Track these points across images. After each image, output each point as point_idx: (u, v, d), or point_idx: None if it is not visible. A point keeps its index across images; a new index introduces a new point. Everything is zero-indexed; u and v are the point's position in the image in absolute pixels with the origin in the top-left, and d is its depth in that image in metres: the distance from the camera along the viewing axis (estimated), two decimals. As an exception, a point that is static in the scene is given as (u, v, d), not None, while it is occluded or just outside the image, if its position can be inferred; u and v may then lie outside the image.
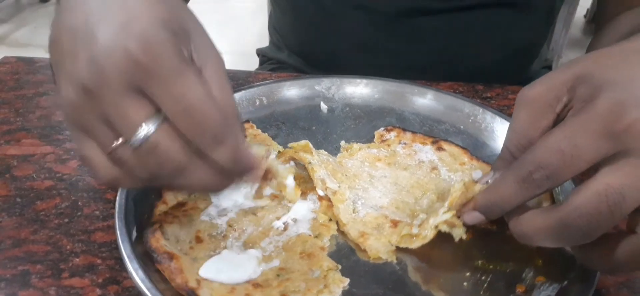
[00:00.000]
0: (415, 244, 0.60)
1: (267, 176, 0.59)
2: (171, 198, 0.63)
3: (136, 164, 0.46)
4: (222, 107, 0.47)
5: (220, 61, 0.50)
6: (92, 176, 0.48)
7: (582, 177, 0.47)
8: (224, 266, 0.56)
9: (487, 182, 0.55)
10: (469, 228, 0.58)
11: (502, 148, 0.55)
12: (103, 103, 0.44)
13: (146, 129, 0.44)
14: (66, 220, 0.66)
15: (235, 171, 0.50)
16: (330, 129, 0.82)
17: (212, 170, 0.48)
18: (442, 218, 0.58)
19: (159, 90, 0.43)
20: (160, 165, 0.46)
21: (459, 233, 0.59)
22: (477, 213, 0.55)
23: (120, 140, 0.45)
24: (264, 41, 1.36)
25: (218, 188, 0.51)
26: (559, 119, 0.51)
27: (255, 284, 0.55)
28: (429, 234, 0.59)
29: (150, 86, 0.43)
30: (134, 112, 0.44)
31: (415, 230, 0.60)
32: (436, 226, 0.59)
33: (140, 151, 0.45)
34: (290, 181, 0.64)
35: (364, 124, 0.84)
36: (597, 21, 1.00)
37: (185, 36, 0.47)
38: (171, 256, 0.54)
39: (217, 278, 0.55)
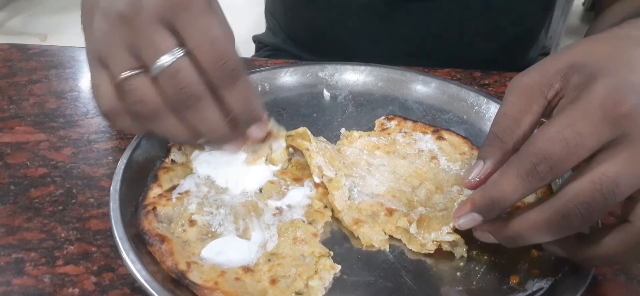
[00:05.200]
0: (413, 246, 0.63)
1: (267, 138, 0.70)
2: (166, 181, 0.67)
3: (142, 98, 0.55)
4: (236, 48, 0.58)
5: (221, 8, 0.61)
6: (96, 105, 0.60)
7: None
8: (226, 249, 0.60)
9: (477, 173, 0.55)
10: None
11: (489, 134, 0.56)
12: (134, 29, 0.54)
13: (170, 56, 0.54)
14: (60, 208, 0.69)
15: (243, 116, 0.60)
16: (331, 116, 0.86)
17: (221, 112, 0.58)
18: (445, 238, 0.61)
19: (188, 23, 0.54)
20: (176, 92, 0.55)
21: (460, 252, 0.62)
22: (474, 214, 0.55)
23: (132, 72, 0.55)
24: (260, 29, 1.39)
25: (223, 135, 0.60)
26: (549, 106, 0.53)
27: (246, 268, 0.58)
28: (430, 247, 0.62)
29: (182, 19, 0.54)
30: (162, 41, 0.54)
31: (413, 229, 0.63)
32: (438, 242, 0.62)
33: (161, 77, 0.54)
34: (281, 144, 0.72)
35: (366, 112, 0.87)
36: (596, 10, 1.02)
37: None
38: (162, 239, 0.58)
39: (217, 259, 0.58)
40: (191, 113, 0.57)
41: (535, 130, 0.54)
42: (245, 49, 1.41)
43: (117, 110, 0.58)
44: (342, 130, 0.81)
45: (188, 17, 0.54)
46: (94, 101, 0.59)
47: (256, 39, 1.38)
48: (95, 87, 0.58)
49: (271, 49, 1.30)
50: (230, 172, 0.68)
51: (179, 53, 0.54)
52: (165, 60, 0.54)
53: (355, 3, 1.08)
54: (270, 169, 0.71)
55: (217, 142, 0.64)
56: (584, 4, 4.12)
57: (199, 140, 0.62)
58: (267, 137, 0.70)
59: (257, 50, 1.37)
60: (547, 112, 0.54)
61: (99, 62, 0.57)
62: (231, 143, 0.65)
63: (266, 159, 0.71)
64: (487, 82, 0.98)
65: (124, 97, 0.57)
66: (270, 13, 1.33)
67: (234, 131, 0.62)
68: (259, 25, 1.40)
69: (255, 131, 0.64)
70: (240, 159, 0.69)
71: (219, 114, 0.58)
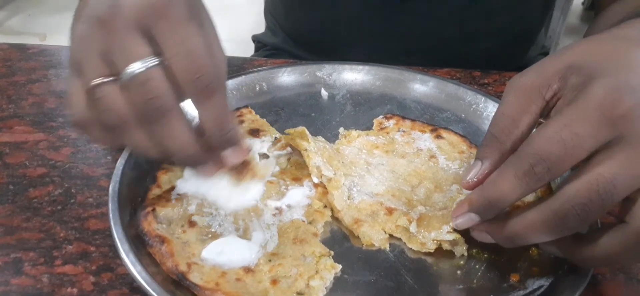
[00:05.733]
0: (413, 245, 0.62)
1: (245, 170, 0.66)
2: (165, 181, 0.66)
3: (110, 107, 0.52)
4: (217, 64, 0.54)
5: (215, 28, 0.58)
6: (67, 112, 0.55)
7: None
8: (227, 249, 0.59)
9: (475, 174, 0.55)
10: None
11: (487, 134, 0.55)
12: (110, 34, 0.50)
13: (142, 64, 0.50)
14: (59, 207, 0.68)
15: (215, 136, 0.56)
16: (329, 116, 0.85)
17: (191, 129, 0.54)
18: (445, 237, 0.60)
19: (165, 31, 0.51)
20: (144, 102, 0.51)
21: (460, 251, 0.61)
22: (471, 214, 0.55)
23: (105, 79, 0.51)
24: (260, 28, 1.38)
25: (193, 155, 0.55)
26: (547, 107, 0.53)
27: (247, 269, 0.57)
28: (430, 246, 0.61)
29: (159, 26, 0.51)
30: (135, 46, 0.50)
31: (413, 228, 0.62)
32: (439, 241, 0.61)
33: (129, 85, 0.50)
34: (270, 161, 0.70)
35: (364, 111, 0.86)
36: (595, 9, 1.01)
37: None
38: (162, 240, 0.57)
39: (218, 260, 0.57)
40: (159, 127, 0.53)
41: (534, 130, 0.53)
42: (245, 48, 1.40)
43: (87, 120, 0.54)
44: (341, 129, 0.80)
45: (166, 25, 0.51)
46: (67, 110, 0.56)
47: (255, 39, 1.36)
48: (68, 95, 0.55)
49: (271, 49, 1.28)
50: (219, 189, 0.65)
51: (152, 62, 0.51)
52: (135, 67, 0.50)
53: (356, 3, 1.07)
54: (262, 182, 0.68)
55: (187, 163, 0.59)
56: (583, 3, 4.06)
57: (171, 158, 0.56)
58: (247, 170, 0.66)
59: (256, 49, 1.36)
60: (545, 112, 0.53)
61: (74, 68, 0.54)
62: (204, 166, 0.59)
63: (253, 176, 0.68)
64: (486, 81, 0.98)
65: (93, 106, 0.53)
66: (269, 12, 1.32)
67: (208, 153, 0.58)
68: (259, 25, 1.39)
69: (230, 156, 0.59)
70: (226, 179, 0.66)
71: (189, 132, 0.54)
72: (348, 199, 0.67)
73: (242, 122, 0.77)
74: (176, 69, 0.51)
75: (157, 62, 0.51)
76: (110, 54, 0.51)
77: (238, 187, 0.66)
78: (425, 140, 0.77)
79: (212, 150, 0.58)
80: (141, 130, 0.53)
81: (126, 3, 0.50)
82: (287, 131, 0.72)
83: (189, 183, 0.65)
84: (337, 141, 0.77)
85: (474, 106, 0.85)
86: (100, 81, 0.51)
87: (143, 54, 0.50)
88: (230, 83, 0.85)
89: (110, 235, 0.56)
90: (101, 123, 0.54)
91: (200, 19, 0.54)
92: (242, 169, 0.66)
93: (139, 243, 0.57)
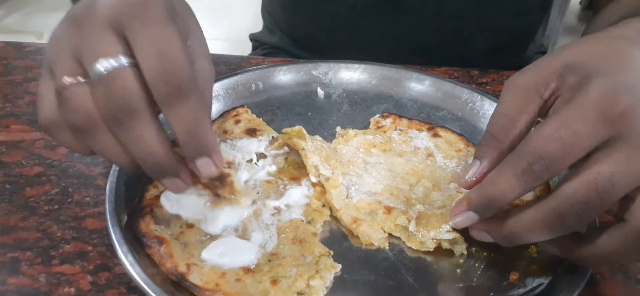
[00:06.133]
0: (412, 244, 0.61)
1: (221, 187, 0.63)
2: None
3: (77, 107, 0.48)
4: (196, 70, 0.51)
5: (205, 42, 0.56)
6: (37, 116, 0.51)
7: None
8: (227, 250, 0.58)
9: (474, 173, 0.54)
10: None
11: (485, 133, 0.54)
12: (82, 32, 0.48)
13: (110, 62, 0.46)
14: (56, 207, 0.67)
15: (186, 143, 0.51)
16: (326, 115, 0.84)
17: (162, 135, 0.49)
18: (445, 236, 0.60)
19: (139, 31, 0.47)
20: (110, 102, 0.47)
21: (460, 249, 0.61)
22: (469, 213, 0.54)
23: (74, 80, 0.48)
24: (257, 27, 1.37)
25: (163, 164, 0.50)
26: (545, 106, 0.52)
27: (246, 269, 0.56)
28: (429, 245, 0.61)
29: (133, 26, 0.47)
30: (105, 44, 0.47)
31: (412, 226, 0.62)
32: (438, 240, 0.61)
33: (97, 84, 0.47)
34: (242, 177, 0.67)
35: (360, 110, 0.85)
36: (593, 9, 1.01)
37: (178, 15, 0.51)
38: (161, 241, 0.56)
39: (217, 260, 0.56)
40: (126, 130, 0.48)
41: (532, 129, 0.53)
42: (242, 47, 1.39)
43: (56, 122, 0.51)
44: (338, 128, 0.79)
45: (140, 25, 0.47)
46: (37, 111, 0.52)
47: (253, 38, 1.35)
48: (38, 96, 0.51)
49: (268, 48, 1.27)
50: (201, 209, 0.62)
51: (123, 61, 0.47)
52: (103, 65, 0.46)
53: (353, 2, 1.06)
54: (247, 201, 0.65)
55: (156, 172, 0.52)
56: (581, 2, 4.03)
57: (140, 167, 0.51)
58: (224, 186, 0.63)
59: (253, 48, 1.34)
60: (543, 111, 0.53)
61: (47, 69, 0.51)
62: (175, 179, 0.54)
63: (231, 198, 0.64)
64: (484, 80, 0.97)
65: (62, 107, 0.49)
66: (267, 11, 1.31)
67: (180, 164, 0.53)
68: (256, 24, 1.38)
69: (202, 167, 0.53)
70: (205, 199, 0.64)
71: (159, 138, 0.49)
72: (346, 198, 0.66)
73: (238, 121, 0.76)
74: (145, 68, 0.47)
75: (127, 62, 0.47)
76: (81, 54, 0.48)
77: (215, 209, 0.62)
78: (422, 138, 0.76)
79: (184, 160, 0.53)
80: (109, 133, 0.49)
81: (102, 2, 0.48)
82: (284, 130, 0.71)
83: (171, 202, 0.62)
84: (334, 140, 0.76)
85: (470, 105, 0.84)
86: (70, 81, 0.48)
87: (113, 53, 0.47)
88: (226, 82, 0.84)
89: (108, 235, 0.55)
90: (69, 125, 0.50)
91: (184, 24, 0.52)
92: (218, 186, 0.63)
93: (137, 244, 0.56)
